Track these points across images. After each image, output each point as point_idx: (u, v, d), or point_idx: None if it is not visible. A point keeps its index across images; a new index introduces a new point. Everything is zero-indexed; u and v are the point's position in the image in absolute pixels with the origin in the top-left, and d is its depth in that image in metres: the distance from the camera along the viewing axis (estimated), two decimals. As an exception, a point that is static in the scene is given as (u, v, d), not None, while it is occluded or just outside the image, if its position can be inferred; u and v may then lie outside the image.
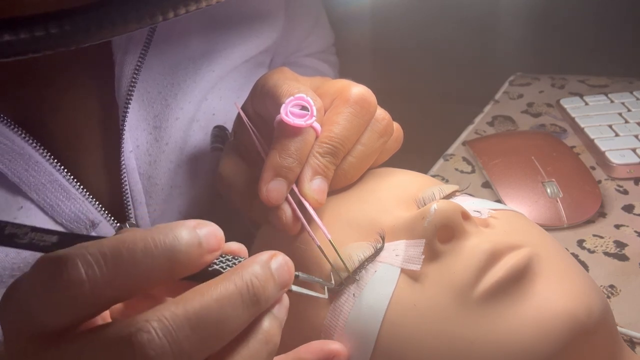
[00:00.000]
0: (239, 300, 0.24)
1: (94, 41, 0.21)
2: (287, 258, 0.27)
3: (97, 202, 0.42)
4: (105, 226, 0.42)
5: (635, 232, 0.51)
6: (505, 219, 0.34)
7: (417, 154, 0.58)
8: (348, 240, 0.34)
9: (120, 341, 0.22)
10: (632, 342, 0.41)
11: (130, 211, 0.43)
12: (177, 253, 0.24)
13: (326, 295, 0.31)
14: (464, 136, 0.69)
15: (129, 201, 0.43)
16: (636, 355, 0.34)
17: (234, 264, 0.27)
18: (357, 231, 0.34)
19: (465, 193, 0.38)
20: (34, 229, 0.25)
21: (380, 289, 0.31)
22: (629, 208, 0.54)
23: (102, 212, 0.42)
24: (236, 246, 0.28)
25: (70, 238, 0.25)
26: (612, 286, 0.45)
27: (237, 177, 0.39)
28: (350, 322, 0.31)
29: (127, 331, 0.22)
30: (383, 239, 0.33)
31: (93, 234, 0.42)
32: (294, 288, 0.28)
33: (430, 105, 0.98)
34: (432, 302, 0.30)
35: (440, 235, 0.31)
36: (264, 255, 0.26)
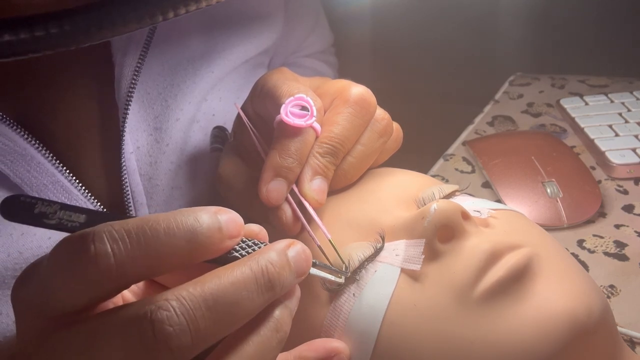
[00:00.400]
0: (253, 285, 0.24)
1: (94, 41, 0.21)
2: (305, 247, 0.27)
3: (99, 203, 0.42)
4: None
5: (635, 232, 0.51)
6: (505, 218, 0.34)
7: (417, 154, 0.58)
8: (348, 240, 0.34)
9: (138, 318, 0.22)
10: (632, 342, 0.41)
11: (131, 212, 0.43)
12: (198, 235, 0.24)
13: (343, 280, 0.32)
14: (464, 136, 0.69)
15: (130, 202, 0.43)
16: (636, 355, 0.34)
17: (254, 250, 0.27)
18: (357, 231, 0.34)
19: (465, 193, 0.38)
20: (63, 207, 0.26)
21: (381, 288, 0.31)
22: (629, 208, 0.54)
23: (102, 212, 0.42)
24: (256, 228, 0.29)
25: (98, 217, 0.26)
26: (612, 286, 0.45)
27: (236, 178, 0.39)
28: (351, 321, 0.31)
29: (146, 309, 0.22)
30: (383, 239, 0.33)
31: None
32: (312, 271, 0.29)
33: (430, 105, 0.98)
34: (432, 302, 0.30)
35: (440, 235, 0.31)
36: (282, 243, 0.27)
